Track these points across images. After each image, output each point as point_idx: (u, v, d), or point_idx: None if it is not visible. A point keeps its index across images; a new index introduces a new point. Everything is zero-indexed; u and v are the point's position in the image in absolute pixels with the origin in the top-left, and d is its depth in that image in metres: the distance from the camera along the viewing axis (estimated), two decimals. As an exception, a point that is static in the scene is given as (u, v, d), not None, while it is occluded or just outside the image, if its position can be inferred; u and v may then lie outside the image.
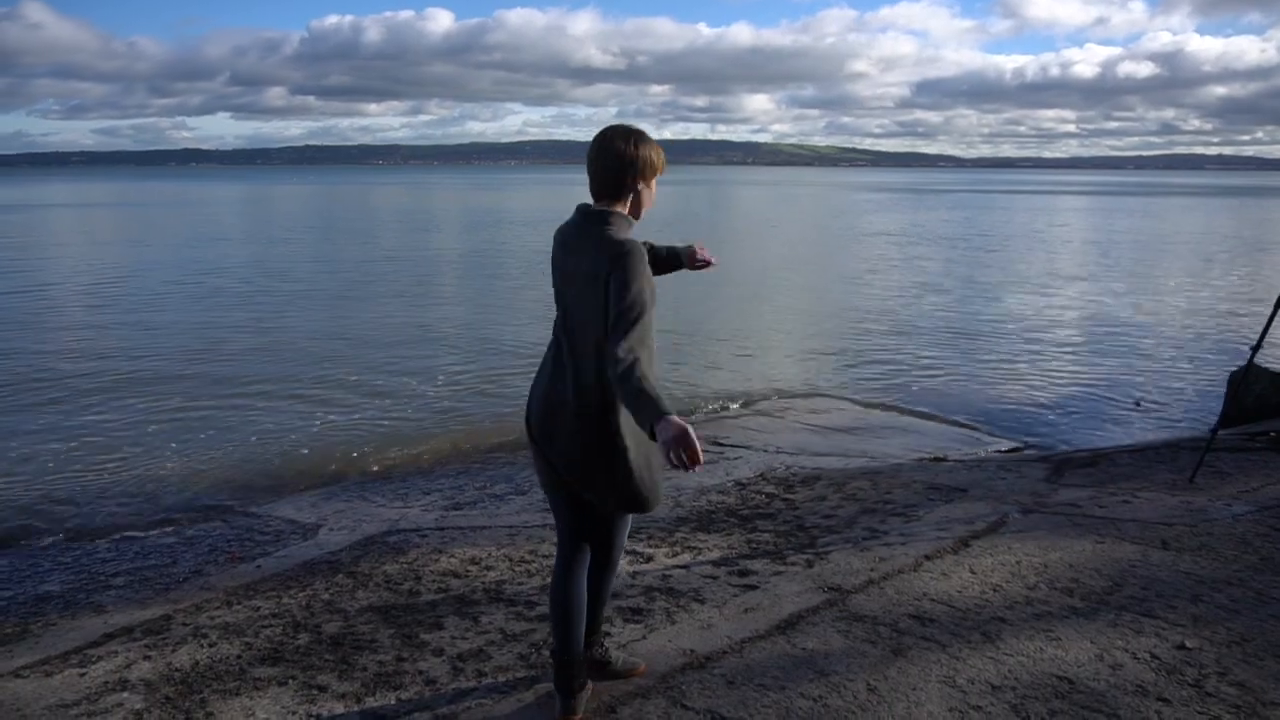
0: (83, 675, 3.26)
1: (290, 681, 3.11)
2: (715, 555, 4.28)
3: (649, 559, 4.25)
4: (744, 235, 33.05)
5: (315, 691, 3.03)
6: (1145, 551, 4.12)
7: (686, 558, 4.26)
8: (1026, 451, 6.85)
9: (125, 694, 3.07)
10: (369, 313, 14.44)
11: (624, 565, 4.24)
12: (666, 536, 4.58)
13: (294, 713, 2.90)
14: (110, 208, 53.62)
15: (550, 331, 2.67)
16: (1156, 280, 19.68)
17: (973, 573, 3.92)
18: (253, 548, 4.98)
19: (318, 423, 8.01)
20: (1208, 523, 4.54)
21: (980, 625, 3.37)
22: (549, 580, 4.03)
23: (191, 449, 7.22)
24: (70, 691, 3.12)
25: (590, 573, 2.78)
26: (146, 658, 3.38)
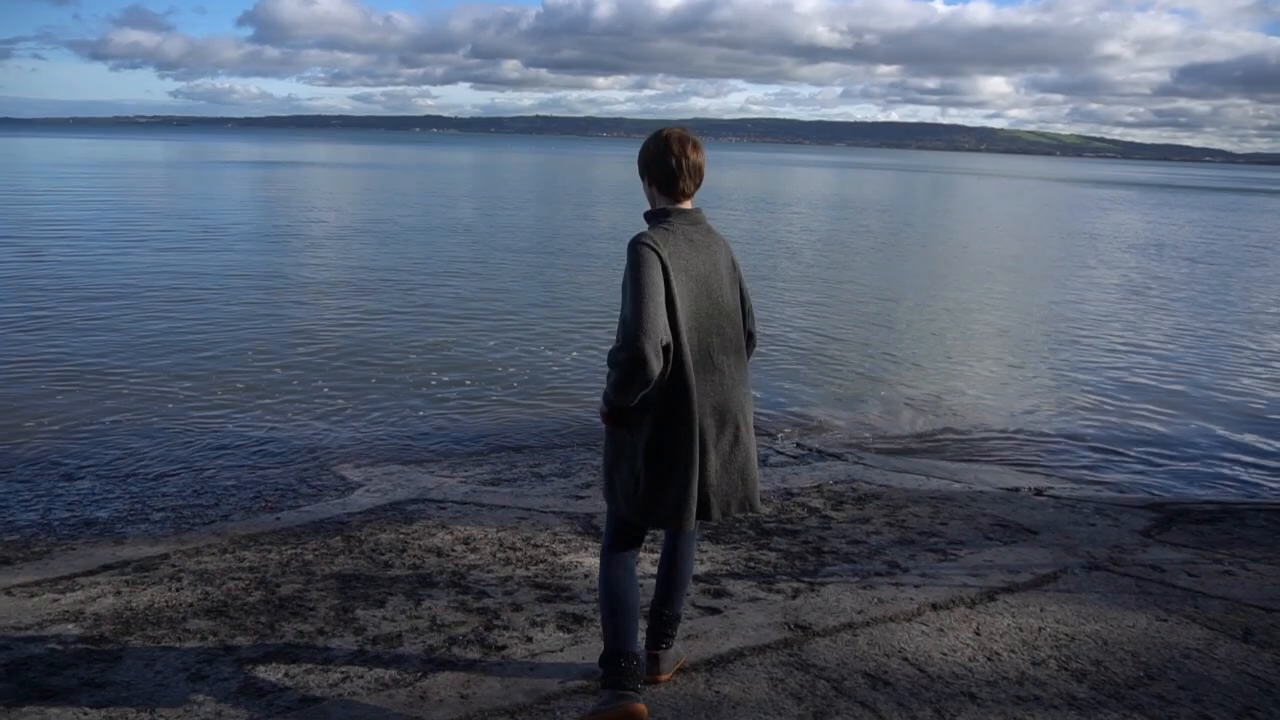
0: (55, 601, 3.51)
1: (210, 637, 3.18)
2: (703, 569, 3.96)
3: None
4: (933, 229, 31.06)
5: (223, 652, 3.07)
6: (1214, 640, 3.36)
7: (670, 568, 3.96)
8: (1137, 495, 5.85)
9: (70, 625, 3.27)
10: (528, 281, 14.83)
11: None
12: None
13: (188, 669, 2.95)
14: (365, 168, 58.51)
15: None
16: None
17: (976, 633, 3.36)
18: (288, 500, 5.21)
19: (423, 386, 8.30)
20: (1326, 615, 3.64)
21: (939, 700, 2.86)
22: (519, 571, 3.91)
23: (299, 401, 7.68)
24: (31, 615, 3.36)
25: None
26: (118, 593, 3.60)
